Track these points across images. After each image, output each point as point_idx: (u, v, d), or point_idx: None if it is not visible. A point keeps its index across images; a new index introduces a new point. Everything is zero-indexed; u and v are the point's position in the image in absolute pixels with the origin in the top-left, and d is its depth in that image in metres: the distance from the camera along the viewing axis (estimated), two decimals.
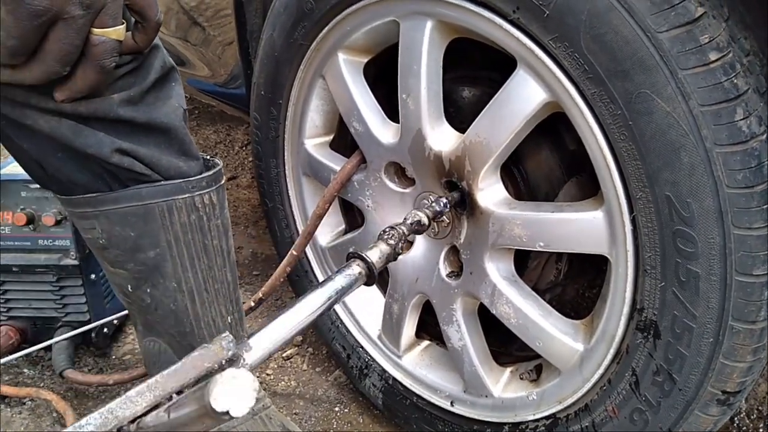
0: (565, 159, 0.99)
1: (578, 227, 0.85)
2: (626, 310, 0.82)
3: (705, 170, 0.70)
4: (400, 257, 1.09)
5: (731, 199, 0.69)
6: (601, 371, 0.87)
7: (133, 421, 0.50)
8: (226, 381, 0.36)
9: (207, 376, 0.54)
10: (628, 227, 0.78)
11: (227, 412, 0.35)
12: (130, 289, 0.95)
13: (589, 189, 0.92)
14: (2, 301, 1.35)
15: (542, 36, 0.77)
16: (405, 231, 0.86)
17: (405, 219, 0.89)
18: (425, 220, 0.89)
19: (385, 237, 0.81)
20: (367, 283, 0.75)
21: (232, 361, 0.56)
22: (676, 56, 0.68)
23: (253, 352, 0.59)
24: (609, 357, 0.86)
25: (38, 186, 1.30)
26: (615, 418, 0.86)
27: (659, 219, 0.75)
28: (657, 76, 0.69)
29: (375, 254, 0.74)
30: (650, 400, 0.82)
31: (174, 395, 0.53)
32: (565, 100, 0.79)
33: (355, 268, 0.74)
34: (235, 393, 0.36)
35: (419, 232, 0.91)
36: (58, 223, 1.31)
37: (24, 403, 1.28)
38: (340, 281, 0.72)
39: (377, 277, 0.75)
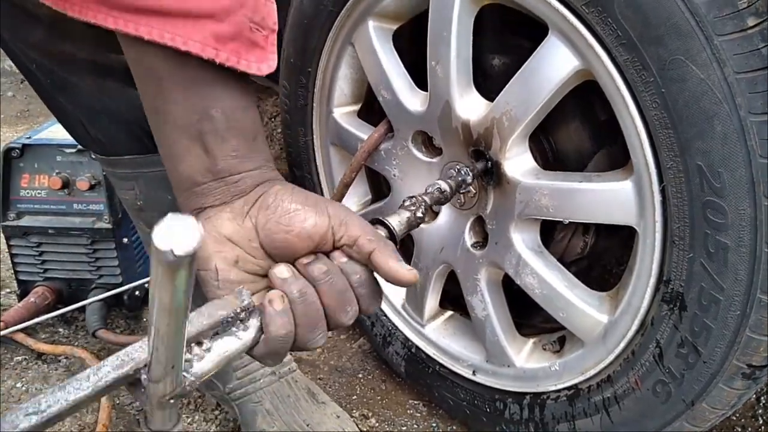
0: (596, 129, 0.98)
1: (606, 198, 0.84)
2: (652, 281, 0.82)
3: (738, 139, 0.68)
4: (425, 227, 1.10)
5: (764, 170, 0.68)
6: (624, 343, 0.87)
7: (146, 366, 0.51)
8: (168, 223, 0.37)
9: (223, 324, 0.56)
10: (657, 198, 0.77)
11: (171, 251, 0.36)
12: None
13: (618, 160, 0.91)
14: (39, 262, 1.40)
15: (575, 1, 0.76)
16: (428, 201, 0.86)
17: (427, 189, 0.89)
18: (448, 190, 0.89)
19: (407, 205, 0.81)
20: None
21: (248, 311, 0.57)
22: (712, 21, 0.66)
23: None
24: (633, 329, 0.85)
25: (73, 151, 1.35)
26: (637, 389, 0.86)
27: (689, 189, 0.74)
28: (692, 42, 0.68)
29: (396, 221, 0.75)
30: (674, 372, 0.82)
31: (194, 345, 0.54)
32: (597, 67, 0.78)
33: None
34: (178, 234, 0.36)
35: (442, 203, 0.91)
36: (92, 187, 1.35)
37: (59, 361, 1.33)
38: None
39: (399, 243, 0.75)
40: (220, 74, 0.60)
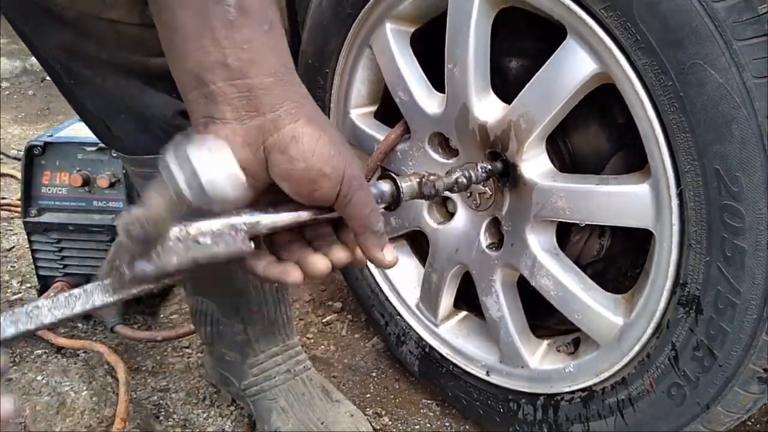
0: (613, 132, 0.98)
1: (623, 200, 0.84)
2: (669, 284, 0.82)
3: (756, 144, 0.68)
4: (440, 227, 1.11)
5: None
6: (640, 345, 0.87)
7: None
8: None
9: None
10: (675, 201, 0.78)
11: None
12: None
13: (636, 163, 0.91)
14: (58, 258, 1.41)
15: (593, 4, 0.76)
16: (443, 181, 0.83)
17: (444, 174, 0.88)
18: (463, 180, 0.87)
19: (422, 175, 0.78)
20: (388, 208, 0.73)
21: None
22: (731, 26, 0.67)
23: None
24: (649, 331, 0.85)
25: (94, 149, 1.37)
26: (652, 392, 0.87)
27: (707, 193, 0.74)
28: (711, 47, 0.68)
29: (405, 183, 0.73)
30: (689, 376, 0.82)
31: None
32: (615, 71, 0.78)
33: (383, 186, 0.71)
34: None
35: (456, 190, 0.88)
36: (112, 185, 1.37)
37: (78, 355, 1.35)
38: None
39: (399, 204, 0.73)
40: None
